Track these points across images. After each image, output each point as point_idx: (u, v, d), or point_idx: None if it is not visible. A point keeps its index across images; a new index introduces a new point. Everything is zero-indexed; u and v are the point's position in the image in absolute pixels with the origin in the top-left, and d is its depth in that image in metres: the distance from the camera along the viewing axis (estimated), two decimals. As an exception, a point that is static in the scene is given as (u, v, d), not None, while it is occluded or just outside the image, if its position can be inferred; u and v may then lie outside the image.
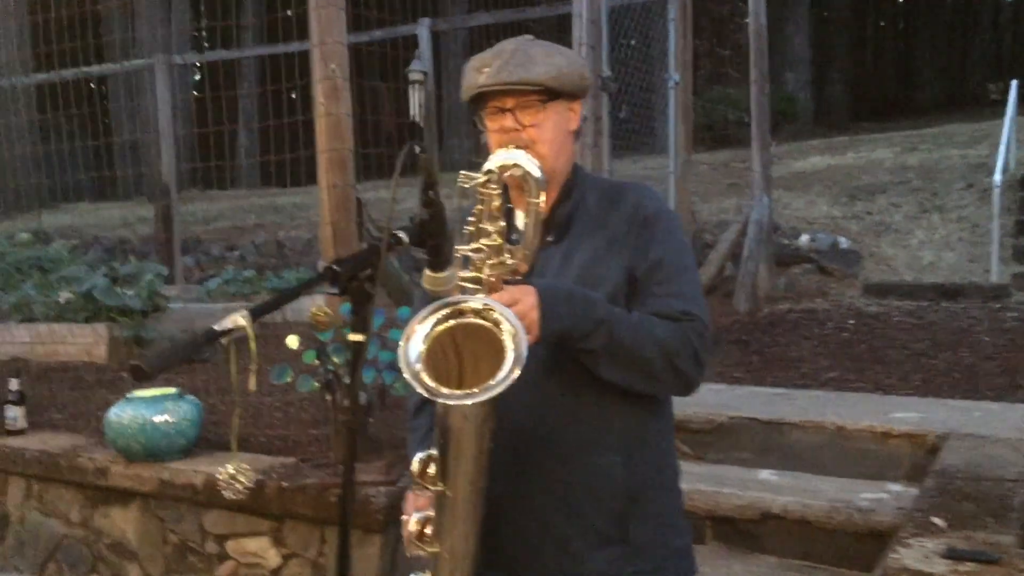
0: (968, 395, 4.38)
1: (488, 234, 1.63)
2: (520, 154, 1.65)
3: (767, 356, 5.37)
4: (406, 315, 3.43)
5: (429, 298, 1.68)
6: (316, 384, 3.49)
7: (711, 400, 4.22)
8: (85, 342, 5.84)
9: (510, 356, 1.49)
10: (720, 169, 11.81)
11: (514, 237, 1.74)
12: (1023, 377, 4.65)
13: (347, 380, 3.29)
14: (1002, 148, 8.57)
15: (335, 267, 1.51)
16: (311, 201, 12.95)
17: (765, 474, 3.76)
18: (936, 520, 2.75)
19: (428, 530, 1.67)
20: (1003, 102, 10.53)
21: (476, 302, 1.57)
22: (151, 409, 3.74)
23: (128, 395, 3.89)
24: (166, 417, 3.73)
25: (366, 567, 3.31)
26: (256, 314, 1.39)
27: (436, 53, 10.42)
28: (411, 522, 1.70)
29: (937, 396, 4.39)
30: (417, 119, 8.69)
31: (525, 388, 1.51)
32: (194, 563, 3.77)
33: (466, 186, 1.63)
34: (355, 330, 1.60)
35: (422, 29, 8.76)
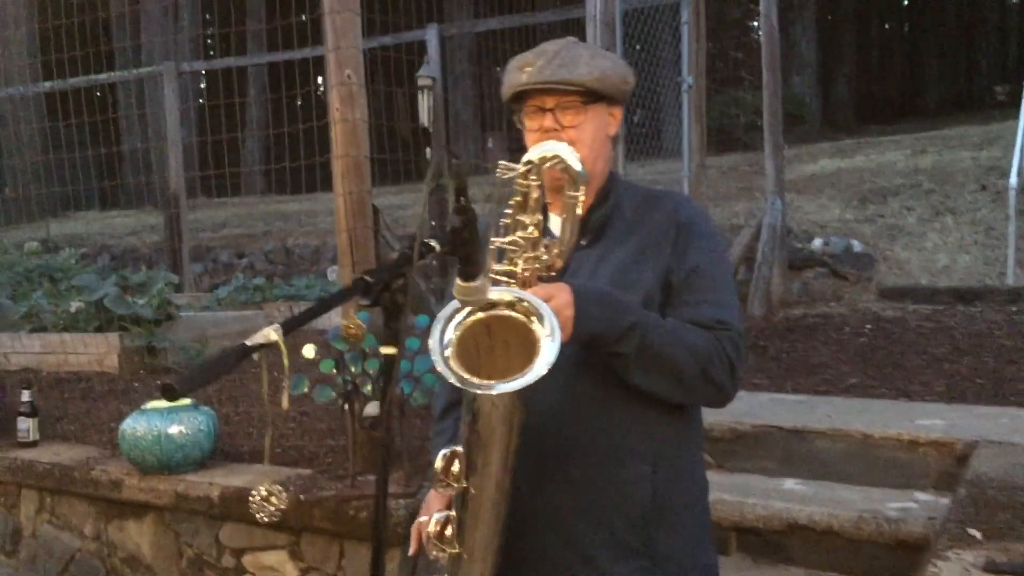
0: (993, 401, 4.31)
1: (524, 226, 1.60)
2: (562, 146, 1.60)
3: (786, 362, 5.30)
4: (424, 323, 3.38)
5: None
6: (333, 394, 3.44)
7: (732, 407, 4.11)
8: (96, 352, 5.79)
9: (543, 349, 1.46)
10: (729, 173, 11.75)
11: (546, 241, 1.70)
12: (1048, 382, 4.58)
13: (366, 390, 3.26)
14: (1017, 150, 8.48)
15: (367, 278, 1.46)
16: (319, 208, 12.93)
17: (790, 483, 3.69)
18: (973, 532, 2.68)
19: (449, 531, 1.62)
20: (1010, 104, 10.47)
21: (509, 294, 1.54)
22: (166, 420, 3.68)
23: (142, 406, 3.83)
24: (181, 428, 3.68)
25: (386, 581, 3.25)
26: (288, 328, 1.34)
27: (442, 58, 10.36)
28: (431, 522, 1.64)
29: (962, 402, 4.32)
30: (426, 124, 8.65)
31: (553, 390, 1.51)
32: (210, 577, 3.72)
33: (505, 176, 1.58)
34: (386, 343, 1.55)
35: (431, 34, 8.72)
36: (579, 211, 1.64)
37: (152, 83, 12.10)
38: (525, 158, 1.59)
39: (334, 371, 3.45)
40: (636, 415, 1.74)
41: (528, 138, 1.84)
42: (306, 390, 3.49)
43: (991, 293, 7.33)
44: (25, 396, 4.36)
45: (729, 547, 3.43)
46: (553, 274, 1.66)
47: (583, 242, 1.79)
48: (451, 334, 1.54)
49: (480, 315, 1.55)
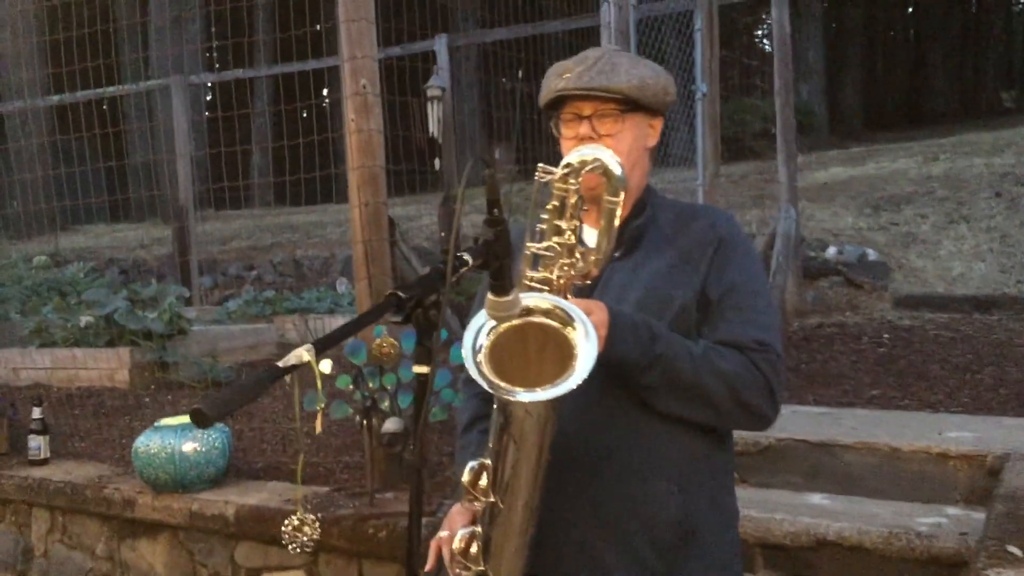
0: (1020, 412, 4.23)
1: (561, 232, 1.55)
2: (602, 149, 1.56)
3: (805, 373, 5.22)
4: (443, 337, 3.31)
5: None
6: (351, 410, 3.37)
7: (755, 421, 4.06)
8: (107, 367, 5.74)
9: (580, 359, 1.42)
10: (740, 182, 11.69)
11: (582, 248, 1.64)
12: (1074, 392, 4.50)
13: (383, 406, 3.19)
14: (1032, 156, 8.41)
15: (400, 294, 1.40)
16: (327, 219, 12.89)
17: (816, 498, 3.61)
18: (1013, 549, 2.60)
19: (474, 548, 1.57)
20: (1017, 111, 10.42)
21: (547, 301, 1.49)
22: (179, 437, 3.62)
23: (156, 423, 3.77)
24: (195, 445, 3.61)
25: (405, 602, 3.18)
26: (320, 348, 1.27)
27: (451, 68, 10.31)
28: (456, 538, 1.59)
29: (988, 413, 4.24)
30: (436, 134, 8.62)
31: (580, 403, 1.45)
32: (225, 597, 3.64)
33: (544, 179, 1.54)
34: (420, 361, 1.48)
35: (440, 45, 8.68)
36: (618, 218, 1.59)
37: (160, 95, 12.08)
38: (564, 160, 1.55)
39: (350, 386, 3.38)
40: (662, 431, 1.68)
41: (564, 146, 1.79)
42: (322, 406, 3.42)
43: (1009, 301, 7.25)
44: (36, 413, 4.30)
45: (755, 565, 3.35)
46: (588, 282, 1.62)
47: (616, 253, 1.73)
48: (484, 339, 1.49)
49: (515, 321, 1.50)
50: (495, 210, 1.49)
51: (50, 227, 10.92)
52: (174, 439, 3.61)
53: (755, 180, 11.36)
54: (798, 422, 4.09)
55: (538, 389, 1.43)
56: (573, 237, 1.56)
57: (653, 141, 1.84)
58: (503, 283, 1.46)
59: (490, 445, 1.52)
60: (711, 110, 6.24)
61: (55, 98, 10.70)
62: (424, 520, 3.18)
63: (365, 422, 3.30)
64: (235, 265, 11.35)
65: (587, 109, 1.74)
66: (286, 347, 6.74)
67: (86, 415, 5.14)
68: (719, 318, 1.71)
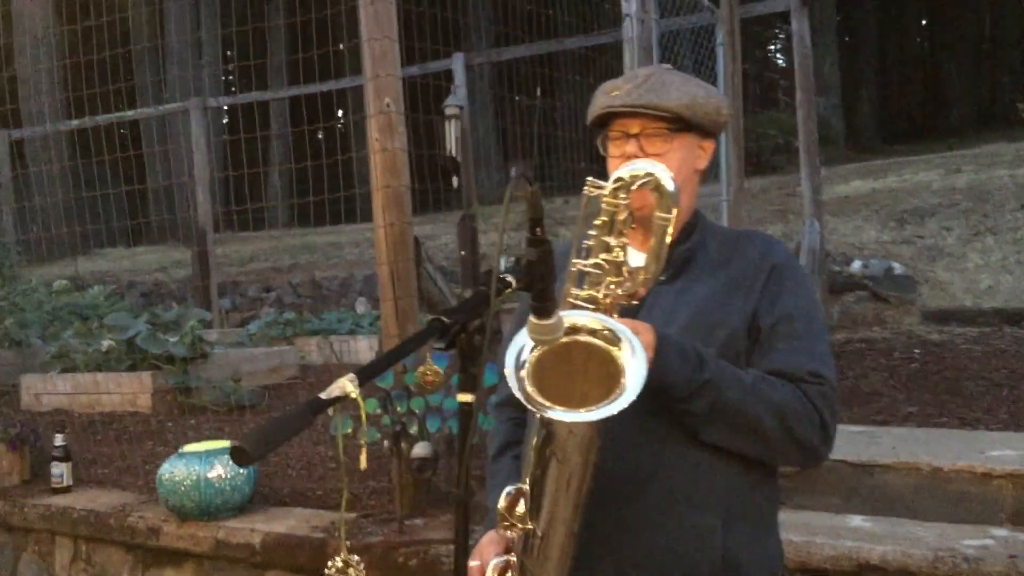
0: (1063, 428, 4.12)
1: (609, 249, 1.49)
2: (655, 164, 1.50)
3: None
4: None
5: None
6: (378, 434, 3.31)
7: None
8: (129, 392, 5.70)
9: (628, 380, 1.37)
10: (759, 196, 11.60)
11: (630, 267, 1.57)
12: (1116, 407, 4.38)
13: (412, 430, 3.12)
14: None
15: (444, 319, 1.33)
16: (345, 240, 12.88)
17: (857, 520, 3.51)
18: (1070, 574, 2.50)
19: None
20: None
21: (595, 320, 1.44)
22: (204, 464, 3.56)
23: (180, 450, 3.71)
24: (220, 472, 3.55)
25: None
26: (364, 377, 1.21)
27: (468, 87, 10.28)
28: (489, 568, 1.53)
29: (1029, 430, 4.13)
30: (454, 153, 8.57)
31: (620, 427, 1.39)
32: (251, 627, 3.56)
33: (593, 194, 1.48)
34: (464, 389, 1.42)
35: (457, 63, 8.66)
36: (669, 236, 1.52)
37: (176, 119, 12.13)
38: (615, 174, 1.50)
39: (378, 411, 3.32)
40: (706, 460, 1.60)
41: (610, 164, 1.74)
42: (349, 430, 3.36)
43: (1039, 314, 7.12)
44: (58, 440, 4.26)
45: (796, 590, 3.25)
46: (634, 303, 1.57)
47: (662, 277, 1.66)
48: (527, 355, 1.43)
49: (563, 339, 1.44)
50: (538, 229, 1.42)
51: (71, 251, 10.96)
52: (199, 466, 3.55)
53: (775, 195, 11.28)
54: (835, 442, 3.99)
55: (582, 410, 1.37)
56: (622, 254, 1.50)
57: (703, 163, 1.78)
58: (546, 305, 1.39)
59: (528, 469, 1.46)
60: (734, 124, 6.17)
61: (74, 122, 10.76)
62: (452, 547, 3.10)
63: (394, 447, 3.23)
64: (254, 287, 11.33)
65: (635, 127, 1.69)
66: (308, 369, 6.70)
67: (108, 441, 5.10)
68: (771, 347, 1.64)
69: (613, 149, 1.72)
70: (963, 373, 5.39)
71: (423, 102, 7.87)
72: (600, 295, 1.50)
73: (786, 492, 3.72)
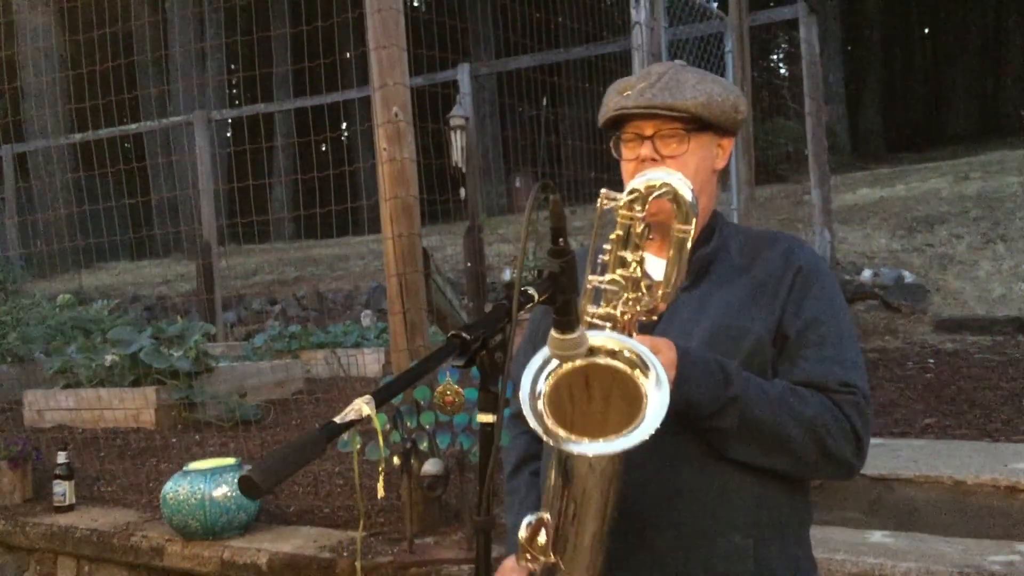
0: (1085, 439, 4.03)
1: (626, 264, 1.40)
2: (671, 173, 1.40)
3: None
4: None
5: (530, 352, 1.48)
6: (388, 451, 3.22)
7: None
8: (133, 407, 5.62)
9: (650, 407, 1.28)
10: (766, 205, 11.51)
11: (648, 281, 1.49)
12: None
13: (422, 447, 3.04)
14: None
15: (464, 335, 1.25)
16: (350, 252, 12.83)
17: (877, 536, 3.41)
18: (1106, 594, 2.41)
19: None
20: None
21: (615, 341, 1.34)
22: (209, 482, 3.47)
23: (184, 467, 3.63)
24: (226, 491, 3.46)
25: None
26: (381, 399, 1.13)
27: (473, 97, 10.23)
28: None
29: (1052, 442, 4.04)
30: (460, 164, 8.52)
31: (643, 446, 1.29)
32: (258, 649, 3.47)
33: (606, 207, 1.39)
34: (484, 409, 1.34)
35: (463, 74, 8.61)
36: (688, 248, 1.43)
37: (181, 132, 12.10)
38: (630, 186, 1.40)
39: (387, 427, 3.23)
40: (735, 478, 1.52)
41: (624, 168, 1.65)
42: (358, 447, 3.28)
43: (1054, 322, 7.03)
44: (61, 458, 4.18)
45: (818, 609, 3.16)
46: (655, 319, 1.48)
47: (682, 284, 1.59)
48: (543, 385, 1.34)
49: (578, 362, 1.36)
50: (560, 239, 1.34)
51: (74, 265, 10.91)
52: (204, 484, 3.47)
53: (782, 203, 11.20)
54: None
55: (602, 440, 1.29)
56: (639, 270, 1.41)
57: (722, 163, 1.68)
58: (569, 319, 1.31)
59: (548, 499, 1.39)
60: (744, 132, 6.11)
61: (77, 136, 10.72)
62: (468, 568, 3.02)
63: (404, 464, 3.15)
64: (259, 300, 11.28)
65: (649, 129, 1.59)
66: (314, 383, 6.62)
67: (112, 457, 5.02)
68: (798, 356, 1.55)
69: (627, 152, 1.63)
70: (980, 383, 5.30)
71: (431, 113, 7.80)
72: (618, 312, 1.41)
73: (805, 507, 3.65)
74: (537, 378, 1.35)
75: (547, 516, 1.37)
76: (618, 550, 1.45)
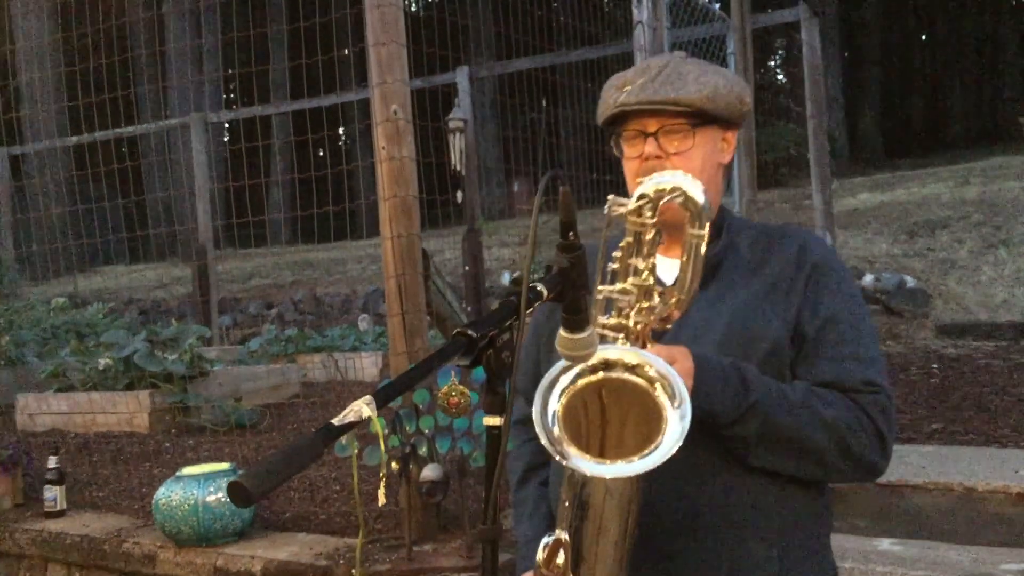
0: (1095, 445, 3.96)
1: (638, 272, 1.35)
2: (680, 175, 1.34)
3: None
4: (481, 376, 3.10)
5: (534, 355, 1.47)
6: (386, 456, 3.15)
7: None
8: (126, 411, 5.53)
9: (670, 426, 1.24)
10: (764, 209, 11.46)
11: (662, 289, 1.43)
12: None
13: (421, 451, 2.96)
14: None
15: (470, 333, 1.18)
16: (347, 256, 12.76)
17: (886, 544, 3.34)
18: None
19: None
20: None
21: (632, 355, 1.28)
22: (202, 487, 3.39)
23: (177, 472, 3.55)
24: (219, 496, 3.38)
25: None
26: (382, 400, 1.05)
27: (472, 101, 10.17)
28: None
29: (1061, 448, 3.97)
30: (458, 167, 8.46)
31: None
32: (252, 659, 3.39)
33: (615, 213, 1.33)
34: (491, 411, 1.27)
35: (461, 77, 8.55)
36: (702, 253, 1.36)
37: (177, 136, 12.02)
38: (638, 191, 1.34)
39: (385, 431, 3.16)
40: (757, 485, 1.47)
41: (626, 167, 1.59)
42: (355, 451, 3.20)
43: (1058, 327, 6.98)
44: (52, 462, 4.09)
45: (826, 618, 3.08)
46: (668, 327, 1.42)
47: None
48: (556, 403, 1.29)
49: (593, 377, 1.31)
50: (570, 233, 1.27)
51: (67, 270, 10.82)
52: (197, 489, 3.39)
53: (783, 208, 11.15)
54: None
55: (620, 461, 1.24)
56: (651, 277, 1.35)
57: (728, 157, 1.63)
58: (579, 317, 1.24)
59: (565, 518, 1.33)
60: (746, 135, 6.05)
61: (73, 139, 10.64)
62: (468, 576, 2.93)
63: (403, 469, 3.07)
64: (255, 304, 11.19)
65: (652, 125, 1.54)
66: (311, 387, 6.53)
67: (104, 462, 4.93)
68: (817, 355, 1.50)
69: (629, 150, 1.57)
70: (985, 389, 5.24)
71: (429, 115, 7.74)
72: (631, 322, 1.36)
73: (812, 514, 3.58)
74: (549, 396, 1.30)
75: (564, 536, 1.31)
76: (640, 561, 1.39)
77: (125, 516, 4.03)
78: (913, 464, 3.73)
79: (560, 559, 1.31)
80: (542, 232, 1.43)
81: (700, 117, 1.53)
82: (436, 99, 8.60)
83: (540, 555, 1.32)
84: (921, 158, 19.35)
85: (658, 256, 1.53)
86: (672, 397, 1.27)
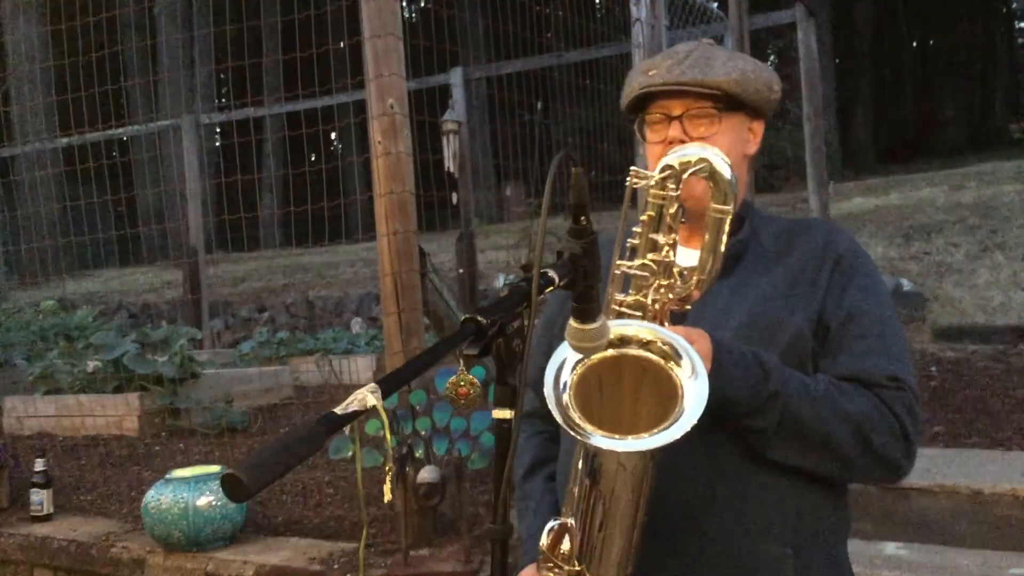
0: (1099, 448, 3.91)
1: (658, 248, 1.30)
2: (708, 148, 1.29)
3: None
4: (481, 376, 3.02)
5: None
6: (381, 458, 3.07)
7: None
8: (115, 414, 5.45)
9: (687, 403, 1.19)
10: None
11: (682, 267, 1.37)
12: None
13: (418, 453, 2.89)
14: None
15: (480, 319, 1.11)
16: (339, 259, 12.68)
17: (892, 548, 3.29)
18: None
19: None
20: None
21: (648, 331, 1.25)
22: (193, 491, 3.31)
23: (167, 475, 3.47)
24: (210, 499, 3.30)
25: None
26: (388, 388, 0.98)
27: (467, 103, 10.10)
28: None
29: (1066, 450, 3.92)
30: (452, 169, 8.39)
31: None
32: (243, 666, 3.31)
33: (637, 186, 1.28)
34: (501, 403, 1.20)
35: (455, 78, 8.48)
36: (726, 231, 1.32)
37: (168, 139, 11.92)
38: (663, 162, 1.29)
39: (381, 432, 3.08)
40: (773, 481, 1.40)
41: (649, 152, 1.54)
42: (350, 455, 3.13)
43: (1055, 330, 6.94)
44: (38, 465, 4.01)
45: (831, 624, 3.02)
46: (688, 308, 1.36)
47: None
48: (568, 375, 1.24)
49: (608, 353, 1.25)
50: (582, 217, 1.20)
51: (60, 272, 10.71)
52: (187, 492, 3.31)
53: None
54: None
55: (631, 437, 1.18)
56: (672, 254, 1.30)
57: (753, 148, 1.58)
58: (591, 307, 1.18)
59: (572, 503, 1.27)
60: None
61: (63, 141, 10.53)
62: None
63: (399, 472, 2.99)
64: (247, 307, 11.10)
65: (677, 108, 1.48)
66: (303, 390, 6.44)
67: (92, 466, 4.85)
68: (840, 348, 1.44)
69: (652, 135, 1.52)
70: (986, 391, 5.18)
71: (426, 115, 7.67)
72: (648, 300, 1.31)
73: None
74: (561, 370, 1.25)
75: (571, 521, 1.26)
76: (648, 558, 1.33)
77: (113, 520, 3.96)
78: (917, 466, 3.62)
79: (565, 545, 1.27)
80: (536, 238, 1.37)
81: (727, 102, 1.48)
82: (433, 100, 8.52)
83: (544, 540, 1.27)
84: (913, 163, 19.39)
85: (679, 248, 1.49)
86: (689, 374, 1.22)
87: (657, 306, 1.31)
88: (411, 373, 1.04)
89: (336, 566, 3.06)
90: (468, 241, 8.47)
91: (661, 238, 1.30)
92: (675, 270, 1.32)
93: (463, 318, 1.12)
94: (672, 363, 1.24)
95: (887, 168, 19.29)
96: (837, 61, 24.95)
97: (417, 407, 3.11)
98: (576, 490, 1.26)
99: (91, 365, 5.73)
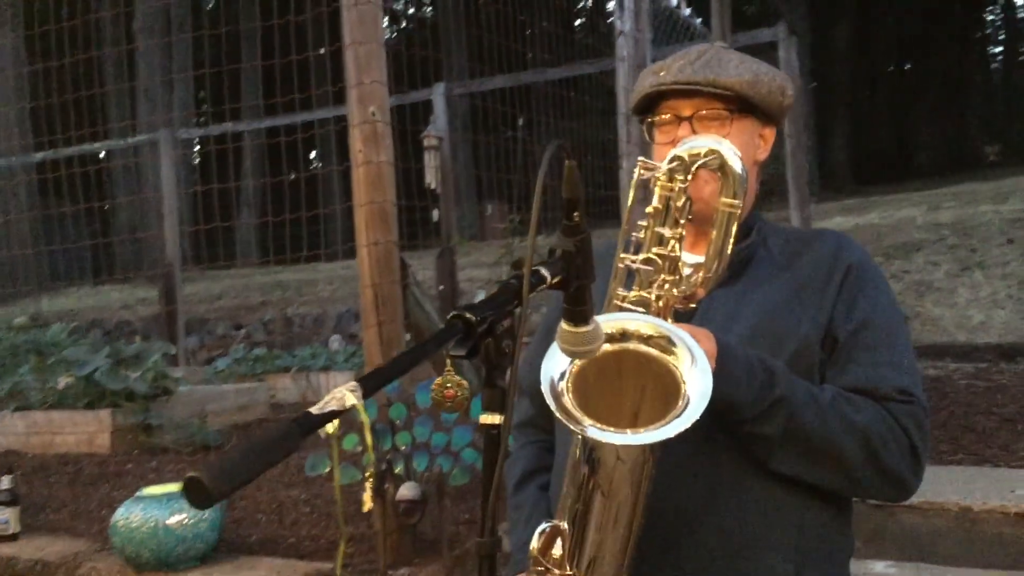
0: (1086, 465, 3.88)
1: (664, 241, 1.26)
2: (718, 139, 1.26)
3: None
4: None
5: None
6: (359, 475, 2.98)
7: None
8: (86, 431, 5.32)
9: (690, 399, 1.15)
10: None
11: (688, 263, 1.32)
12: None
13: (397, 470, 2.80)
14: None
15: (468, 316, 1.04)
16: (318, 277, 12.57)
17: (879, 567, 3.23)
18: None
19: None
20: (1001, 164, 10.39)
21: (651, 325, 1.21)
22: (164, 509, 3.20)
23: (137, 493, 3.36)
24: (181, 518, 3.19)
25: None
26: (369, 387, 0.91)
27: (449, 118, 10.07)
28: None
29: (1050, 467, 3.89)
30: (433, 185, 8.33)
31: (672, 453, 1.17)
32: None
33: (645, 175, 1.25)
34: (490, 408, 1.13)
35: (437, 95, 8.43)
36: (735, 227, 1.28)
37: (145, 157, 11.79)
38: (672, 153, 1.26)
39: (358, 447, 2.99)
40: (776, 492, 1.36)
41: (656, 154, 1.49)
42: (326, 471, 3.04)
43: (1036, 349, 6.96)
44: (5, 483, 3.88)
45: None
46: (693, 306, 1.34)
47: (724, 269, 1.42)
48: (567, 366, 1.19)
49: (610, 347, 1.20)
50: (575, 213, 1.14)
51: (34, 289, 10.54)
52: (158, 511, 3.20)
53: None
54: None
55: (633, 431, 1.13)
56: (678, 248, 1.26)
57: (764, 155, 1.54)
58: (582, 309, 1.11)
59: (566, 503, 1.22)
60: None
61: (38, 156, 10.40)
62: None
63: (377, 489, 2.90)
64: (223, 324, 10.96)
65: (688, 109, 1.45)
66: (279, 408, 6.33)
67: (62, 484, 4.72)
68: (848, 359, 1.40)
69: (660, 136, 1.49)
70: (970, 409, 5.17)
71: (402, 134, 7.62)
72: (652, 296, 1.26)
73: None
74: (559, 364, 1.20)
75: (563, 524, 1.21)
76: (643, 566, 1.27)
77: (82, 540, 3.83)
78: (905, 484, 3.62)
79: (557, 549, 1.21)
80: (520, 253, 1.31)
81: (739, 104, 1.45)
82: (416, 115, 8.47)
83: (535, 543, 1.21)
84: (889, 186, 19.55)
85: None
86: (691, 371, 1.17)
87: (661, 303, 1.27)
88: (394, 372, 0.96)
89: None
90: (449, 257, 8.39)
91: (667, 232, 1.26)
92: (680, 265, 1.28)
93: (450, 315, 1.06)
94: (673, 357, 1.19)
95: (864, 190, 19.45)
96: (815, 84, 25.23)
97: (397, 421, 3.02)
98: (571, 491, 1.21)
99: (62, 381, 5.61)
